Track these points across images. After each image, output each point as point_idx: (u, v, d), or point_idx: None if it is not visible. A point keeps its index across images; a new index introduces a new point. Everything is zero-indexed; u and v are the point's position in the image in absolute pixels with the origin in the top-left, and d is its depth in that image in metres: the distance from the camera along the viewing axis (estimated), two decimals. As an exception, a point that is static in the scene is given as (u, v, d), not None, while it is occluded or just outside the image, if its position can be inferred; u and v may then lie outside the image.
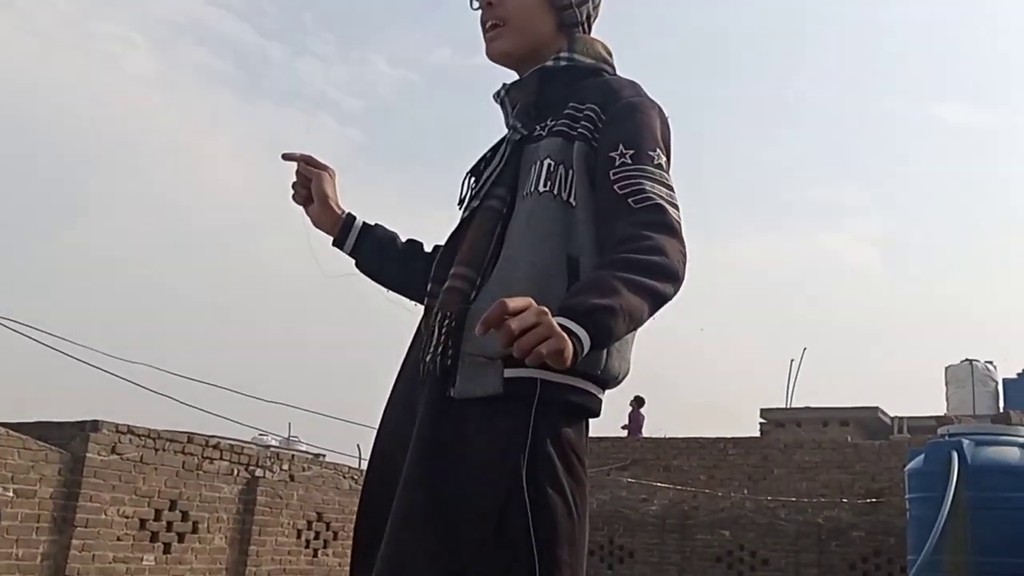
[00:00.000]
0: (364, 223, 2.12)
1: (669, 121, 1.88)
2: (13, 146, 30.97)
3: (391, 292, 2.13)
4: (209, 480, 10.28)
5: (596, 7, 2.02)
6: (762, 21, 41.16)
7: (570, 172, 1.79)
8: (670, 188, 1.77)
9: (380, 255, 2.10)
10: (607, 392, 1.83)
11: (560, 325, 1.48)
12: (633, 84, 1.90)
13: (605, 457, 16.12)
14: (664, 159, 1.80)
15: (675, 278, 1.67)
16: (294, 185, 2.12)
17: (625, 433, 17.83)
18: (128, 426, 9.55)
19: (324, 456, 14.90)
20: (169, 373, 10.81)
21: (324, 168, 2.10)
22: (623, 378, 1.81)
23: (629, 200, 1.72)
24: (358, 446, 14.49)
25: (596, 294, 1.56)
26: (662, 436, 17.22)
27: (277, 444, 17.45)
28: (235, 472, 10.65)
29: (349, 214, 2.11)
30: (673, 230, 1.70)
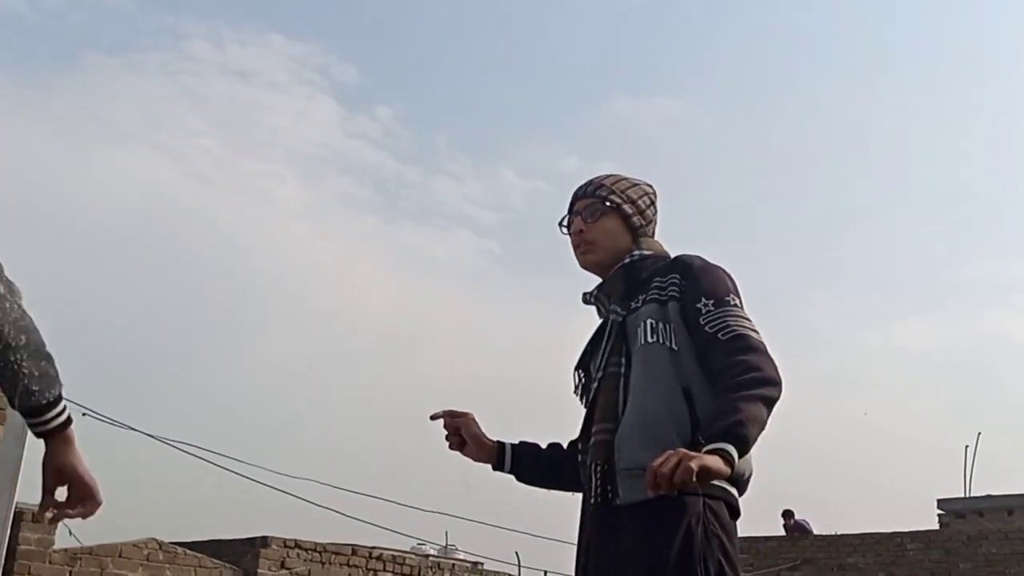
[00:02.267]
0: (512, 446, 2.57)
1: (733, 275, 2.36)
2: (181, 280, 33.01)
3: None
4: (374, 592, 10.35)
5: (647, 224, 2.52)
6: (906, 110, 40.30)
7: (668, 325, 2.27)
8: (748, 319, 2.25)
9: (532, 469, 2.57)
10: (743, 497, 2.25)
11: (713, 448, 1.97)
12: (699, 256, 2.39)
13: (774, 558, 15.44)
14: (738, 301, 2.29)
15: (774, 383, 2.13)
16: (447, 437, 2.56)
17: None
18: (296, 540, 9.78)
19: (483, 564, 14.81)
20: (331, 487, 11.05)
21: (464, 414, 2.55)
22: (748, 477, 2.23)
23: (718, 335, 2.20)
24: (516, 553, 14.36)
25: (726, 416, 2.03)
26: (834, 533, 16.41)
27: (435, 553, 17.47)
28: (399, 583, 10.70)
29: (499, 442, 2.56)
30: (757, 349, 2.17)
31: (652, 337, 2.26)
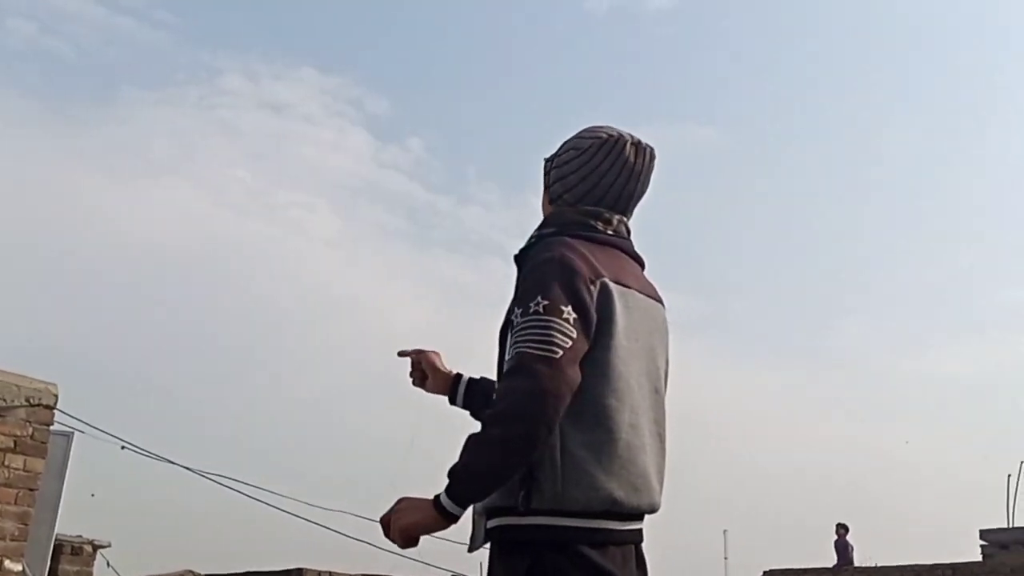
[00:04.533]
0: (470, 379, 2.41)
1: (574, 260, 2.02)
2: (218, 311, 33.34)
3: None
4: (409, 625, 10.31)
5: (570, 189, 2.22)
6: (945, 134, 40.00)
7: None
8: (543, 327, 1.92)
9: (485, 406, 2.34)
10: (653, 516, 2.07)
11: (439, 495, 1.89)
12: (547, 244, 2.10)
13: (812, 589, 15.19)
14: (546, 302, 1.95)
15: (508, 419, 1.87)
16: (411, 373, 2.46)
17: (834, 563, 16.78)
18: (331, 572, 9.77)
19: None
20: (363, 518, 11.04)
21: (431, 352, 2.44)
22: (598, 503, 1.93)
23: (512, 355, 1.94)
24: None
25: (457, 459, 1.89)
26: (874, 565, 16.13)
27: (472, 586, 17.35)
28: (433, 616, 10.65)
29: (457, 374, 2.43)
30: (522, 370, 1.89)
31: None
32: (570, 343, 1.91)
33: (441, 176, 39.01)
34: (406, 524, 1.93)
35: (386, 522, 1.96)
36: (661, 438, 2.13)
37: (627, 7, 38.26)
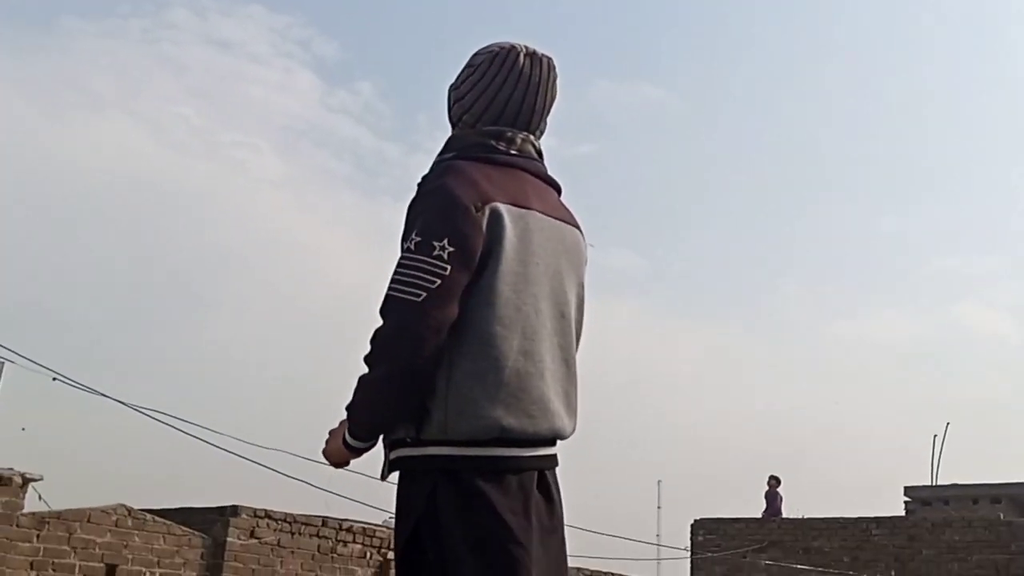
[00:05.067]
0: None
1: (455, 189, 1.97)
2: (154, 248, 32.77)
3: None
4: (343, 563, 10.38)
5: (467, 110, 2.18)
6: (884, 103, 40.47)
7: None
8: (410, 268, 1.92)
9: None
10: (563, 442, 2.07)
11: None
12: (440, 170, 2.05)
13: (741, 539, 15.58)
14: (419, 239, 1.93)
15: (375, 362, 1.93)
16: None
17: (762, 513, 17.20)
18: (265, 511, 9.76)
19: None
20: (301, 458, 11.02)
21: None
22: (484, 431, 1.91)
23: (385, 293, 1.96)
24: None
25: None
26: (801, 516, 16.57)
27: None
28: (368, 555, 10.72)
29: None
30: (386, 313, 1.92)
31: None
32: (438, 282, 1.89)
33: (391, 123, 38.60)
34: (325, 449, 2.08)
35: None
36: (568, 363, 2.10)
37: (585, -44, 37.79)
